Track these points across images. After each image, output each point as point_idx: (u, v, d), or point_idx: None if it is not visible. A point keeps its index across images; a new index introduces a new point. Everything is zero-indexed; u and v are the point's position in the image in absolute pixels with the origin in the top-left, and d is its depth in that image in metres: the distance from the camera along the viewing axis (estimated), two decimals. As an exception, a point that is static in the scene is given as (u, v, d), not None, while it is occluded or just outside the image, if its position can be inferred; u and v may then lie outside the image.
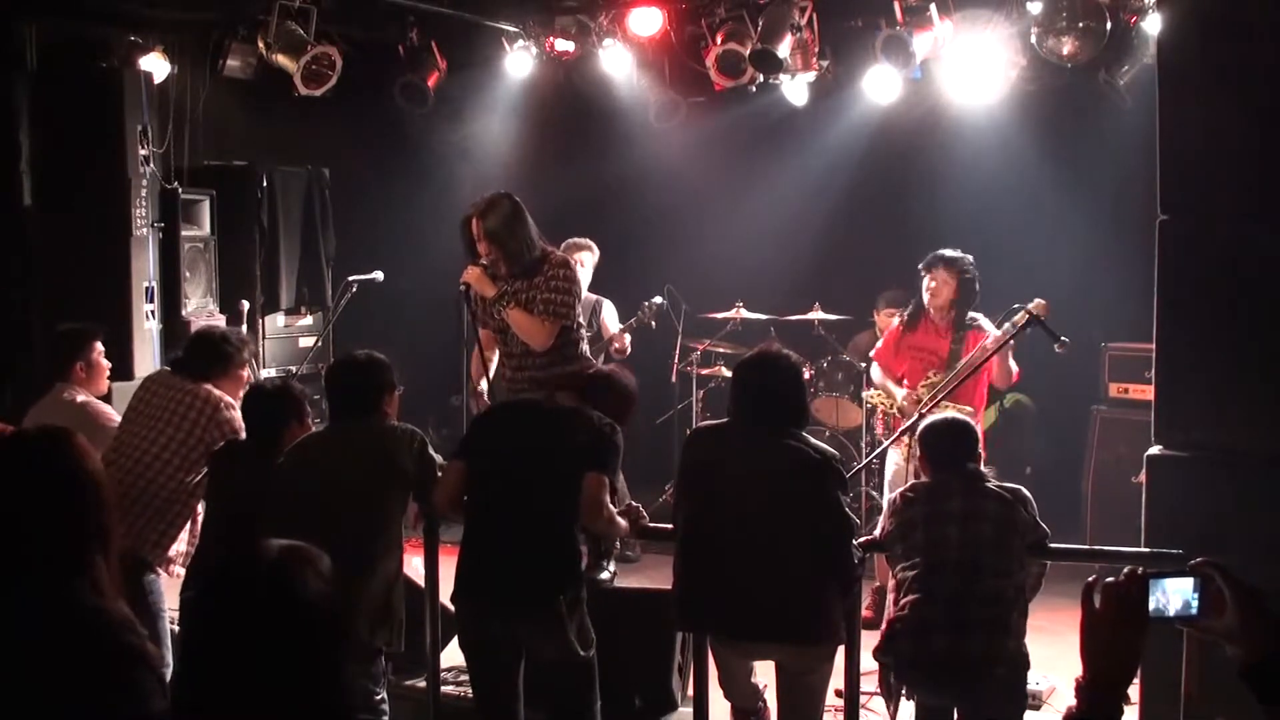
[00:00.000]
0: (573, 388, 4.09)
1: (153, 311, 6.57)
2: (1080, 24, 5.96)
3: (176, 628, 4.56)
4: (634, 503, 4.28)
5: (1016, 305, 5.28)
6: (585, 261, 6.51)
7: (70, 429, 2.34)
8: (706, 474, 3.87)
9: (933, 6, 6.24)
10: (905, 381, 5.90)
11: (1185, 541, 3.56)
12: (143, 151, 6.48)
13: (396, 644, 4.02)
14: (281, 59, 6.66)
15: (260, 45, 6.69)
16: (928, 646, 3.65)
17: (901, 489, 4.05)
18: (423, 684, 4.56)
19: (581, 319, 5.26)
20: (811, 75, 7.06)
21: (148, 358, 6.46)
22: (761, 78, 6.91)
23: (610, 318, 6.95)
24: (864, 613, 5.01)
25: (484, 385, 5.32)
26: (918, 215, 7.71)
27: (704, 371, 7.73)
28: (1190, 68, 3.85)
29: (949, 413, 4.54)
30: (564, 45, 7.31)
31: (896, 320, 6.12)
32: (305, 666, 1.85)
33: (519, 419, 4.02)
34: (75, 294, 6.26)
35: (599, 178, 8.34)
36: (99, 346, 4.98)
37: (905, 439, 5.36)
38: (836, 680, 4.01)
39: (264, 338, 7.65)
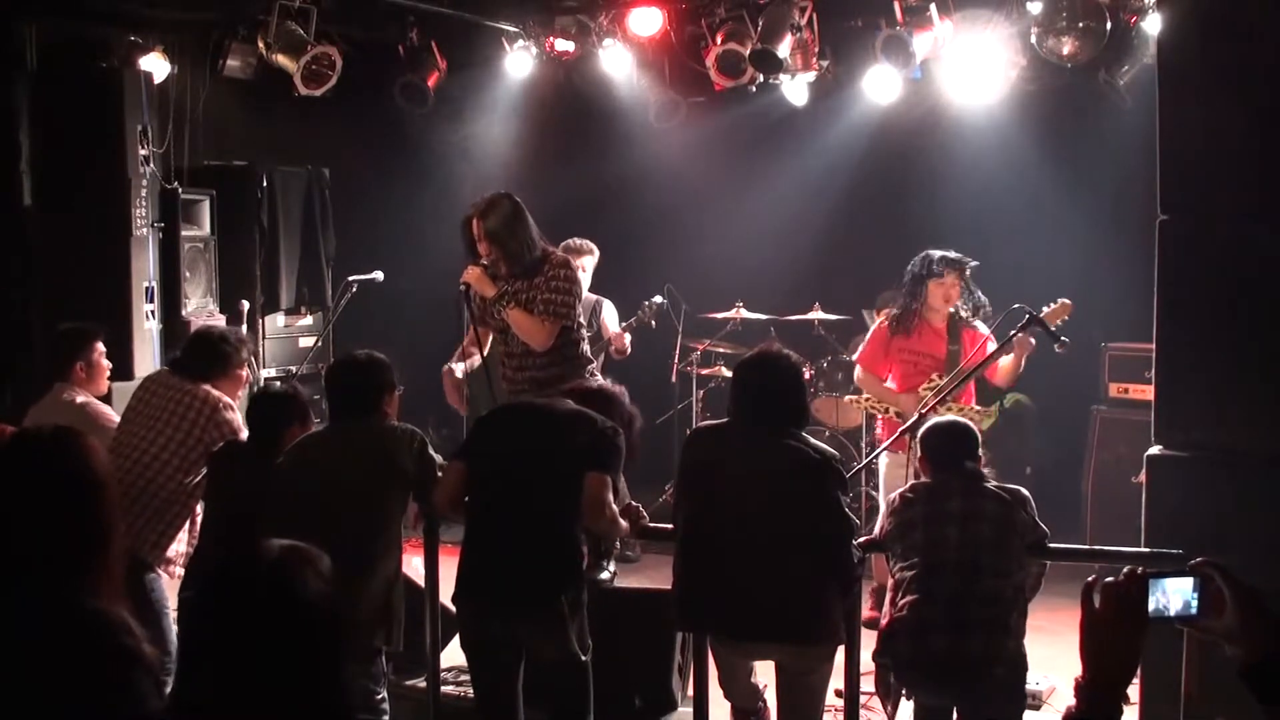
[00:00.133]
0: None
1: (153, 311, 6.57)
2: (1080, 24, 5.96)
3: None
4: (634, 503, 4.28)
5: (1017, 305, 5.27)
6: (586, 265, 6.50)
7: (79, 429, 2.34)
8: (706, 474, 3.87)
9: (933, 6, 6.24)
10: (894, 384, 5.87)
11: (1185, 541, 3.56)
12: (143, 151, 6.48)
13: (396, 644, 4.02)
14: (281, 59, 6.67)
15: (260, 45, 6.70)
16: (926, 647, 3.65)
17: (901, 489, 4.05)
18: (423, 684, 4.56)
19: (582, 319, 5.26)
20: (811, 75, 7.06)
21: (148, 358, 6.45)
22: (761, 78, 6.91)
23: (610, 318, 6.94)
24: (868, 613, 5.01)
25: (464, 366, 5.30)
26: (918, 215, 7.71)
27: (704, 371, 7.74)
28: (1190, 68, 3.85)
29: (951, 415, 4.54)
30: (564, 45, 7.31)
31: (879, 322, 6.04)
32: (305, 666, 1.85)
33: (520, 420, 4.02)
34: (75, 294, 6.26)
35: (599, 178, 8.34)
36: (100, 347, 4.97)
37: (906, 439, 5.35)
38: (836, 680, 4.01)
39: (264, 338, 7.65)
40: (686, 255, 8.12)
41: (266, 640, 1.82)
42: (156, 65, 6.85)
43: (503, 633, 3.83)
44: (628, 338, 6.85)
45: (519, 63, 7.43)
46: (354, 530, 3.80)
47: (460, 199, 6.08)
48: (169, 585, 4.55)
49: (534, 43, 7.37)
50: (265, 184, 7.54)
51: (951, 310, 5.80)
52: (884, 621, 3.81)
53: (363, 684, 3.90)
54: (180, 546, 4.58)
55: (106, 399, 5.08)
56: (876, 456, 5.71)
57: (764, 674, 4.12)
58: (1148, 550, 3.84)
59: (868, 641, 3.95)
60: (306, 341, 7.88)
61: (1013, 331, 5.08)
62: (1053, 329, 4.98)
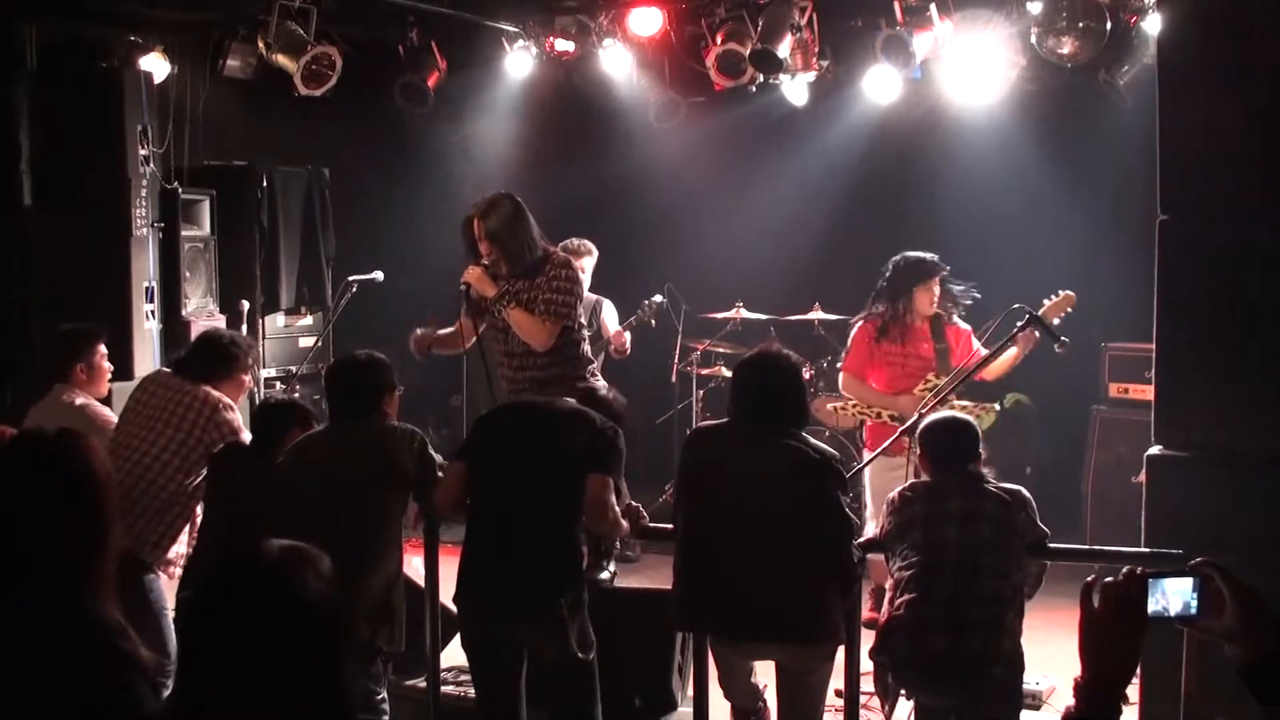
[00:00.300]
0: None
1: (153, 312, 6.57)
2: (1080, 24, 5.96)
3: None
4: (634, 503, 4.28)
5: (1017, 305, 5.27)
6: (585, 266, 6.50)
7: (80, 431, 2.34)
8: (706, 474, 3.87)
9: (933, 6, 6.24)
10: (877, 388, 5.86)
11: (1185, 541, 3.55)
12: (143, 151, 6.48)
13: (396, 644, 4.02)
14: (281, 59, 6.66)
15: (260, 45, 6.70)
16: (924, 646, 3.64)
17: (901, 488, 4.04)
18: (423, 684, 4.56)
19: (583, 319, 5.26)
20: (811, 75, 7.06)
21: (148, 358, 6.45)
22: (761, 78, 6.91)
23: (610, 317, 6.95)
24: (868, 614, 5.01)
25: (435, 332, 5.31)
26: (918, 215, 7.70)
27: (704, 371, 7.73)
28: (1190, 68, 3.85)
29: (953, 412, 4.52)
30: (564, 45, 7.31)
31: (859, 328, 5.99)
32: (305, 667, 1.84)
33: (520, 420, 4.02)
34: (75, 294, 6.26)
35: (599, 178, 8.34)
36: (101, 349, 4.95)
37: (904, 441, 5.34)
38: (836, 680, 4.01)
39: (264, 338, 7.64)
40: (686, 255, 8.12)
41: (266, 641, 1.82)
42: (156, 65, 6.85)
43: (503, 633, 3.83)
44: (627, 337, 6.85)
45: (519, 63, 7.43)
46: (354, 530, 3.80)
47: (460, 199, 6.08)
48: (168, 586, 4.55)
49: (534, 43, 7.37)
50: (265, 184, 7.54)
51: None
52: (882, 620, 3.81)
53: (363, 684, 3.90)
54: (180, 547, 4.58)
55: (107, 400, 5.07)
56: (876, 457, 5.69)
57: (764, 674, 4.12)
58: (1148, 550, 3.85)
59: (867, 641, 3.95)
60: (306, 341, 7.88)
61: (1013, 330, 5.08)
62: (1053, 325, 4.98)
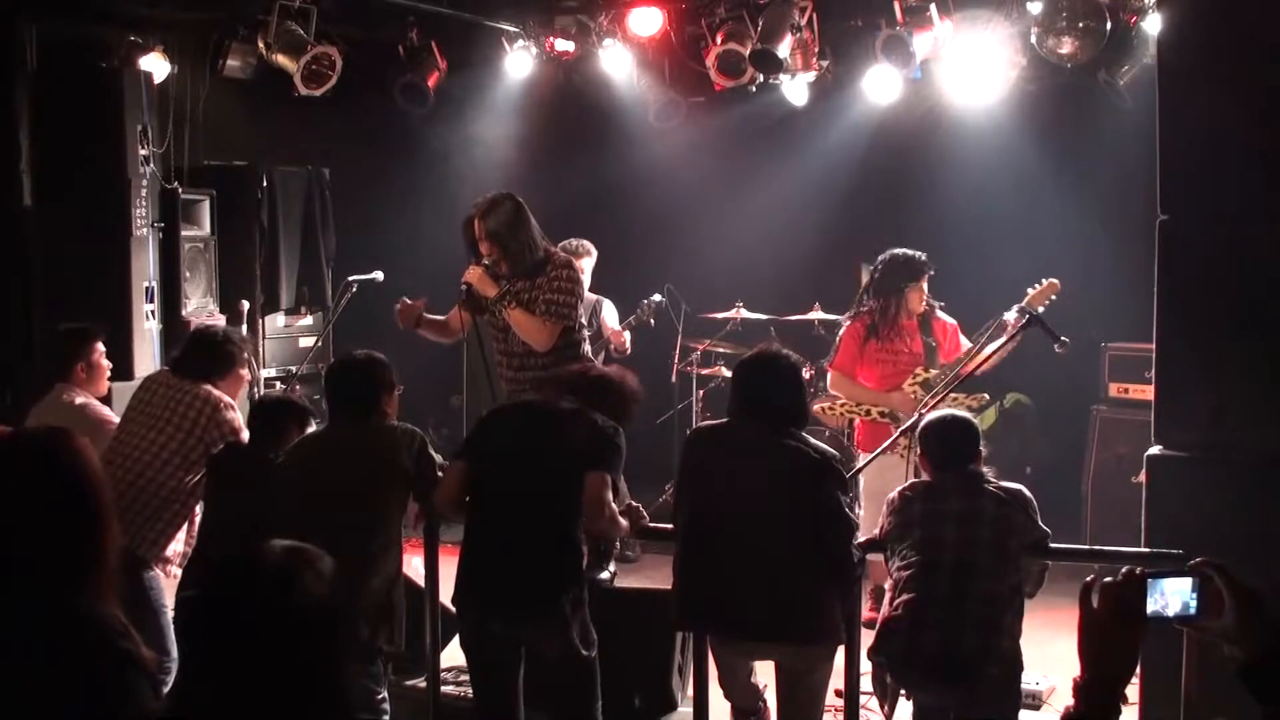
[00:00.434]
0: (572, 389, 4.07)
1: (153, 311, 6.57)
2: (1080, 24, 5.96)
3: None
4: (634, 503, 4.28)
5: (1017, 307, 5.27)
6: (584, 267, 6.50)
7: (70, 429, 2.34)
8: (706, 474, 3.87)
9: (933, 6, 6.25)
10: (869, 385, 5.85)
11: (1185, 541, 3.55)
12: (143, 151, 6.48)
13: (397, 644, 4.02)
14: (281, 59, 6.67)
15: (260, 45, 6.70)
16: (921, 645, 3.64)
17: (901, 487, 4.04)
18: (423, 684, 4.56)
19: (583, 319, 5.26)
20: (811, 75, 7.06)
21: (148, 358, 6.45)
22: (761, 78, 6.92)
23: (610, 317, 6.95)
24: (868, 614, 5.00)
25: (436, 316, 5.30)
26: (918, 215, 7.70)
27: (704, 371, 7.73)
28: (1190, 68, 3.85)
29: (953, 410, 4.51)
30: (564, 45, 7.31)
31: (847, 326, 5.97)
32: (305, 667, 1.85)
33: (521, 420, 4.02)
34: (75, 294, 6.26)
35: (599, 178, 8.33)
36: (100, 347, 4.97)
37: (903, 440, 5.34)
38: (836, 680, 4.01)
39: (264, 338, 7.64)
40: (686, 255, 8.11)
41: (267, 641, 1.82)
42: (156, 65, 6.85)
43: (503, 633, 3.83)
44: (627, 336, 6.85)
45: (519, 63, 7.43)
46: (354, 530, 3.80)
47: (460, 199, 6.07)
48: (166, 585, 4.55)
49: (534, 43, 7.37)
50: (265, 184, 7.53)
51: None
52: (880, 620, 3.81)
53: (363, 684, 3.90)
54: (178, 546, 4.58)
55: (107, 399, 5.08)
56: (876, 457, 5.69)
57: (764, 674, 4.12)
58: (1148, 550, 3.84)
59: (867, 641, 3.95)
60: (306, 341, 7.87)
61: (1013, 330, 5.08)
62: (1045, 318, 4.98)
